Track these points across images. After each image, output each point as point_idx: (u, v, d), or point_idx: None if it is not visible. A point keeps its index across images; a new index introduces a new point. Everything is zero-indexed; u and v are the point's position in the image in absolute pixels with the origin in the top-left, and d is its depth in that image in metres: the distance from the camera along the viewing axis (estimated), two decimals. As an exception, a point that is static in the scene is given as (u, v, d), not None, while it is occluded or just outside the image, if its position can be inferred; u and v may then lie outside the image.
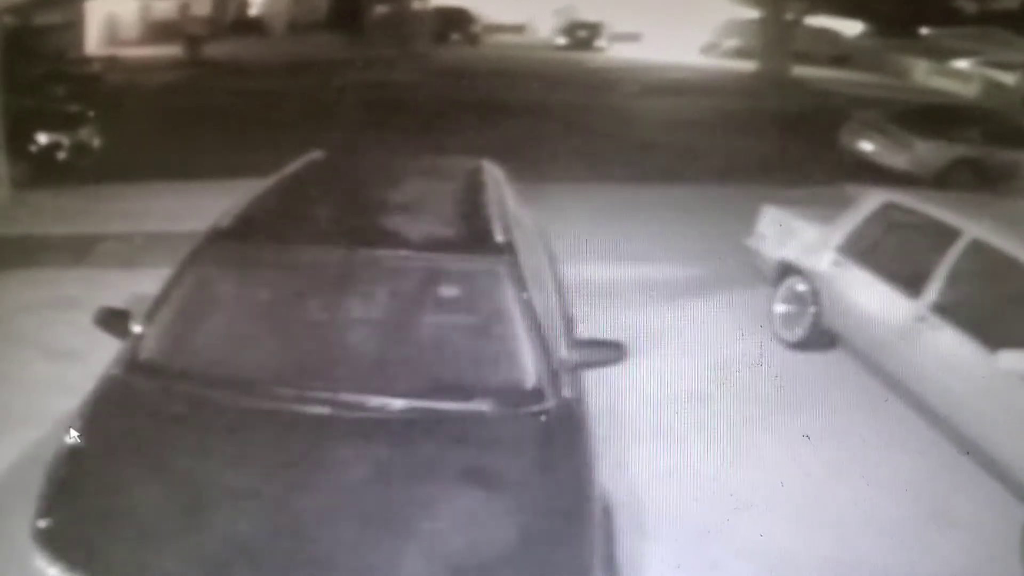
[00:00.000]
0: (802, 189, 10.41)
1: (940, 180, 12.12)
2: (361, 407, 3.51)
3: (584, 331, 4.77)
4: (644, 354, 5.18)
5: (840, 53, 34.59)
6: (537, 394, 3.60)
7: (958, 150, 12.75)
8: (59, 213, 9.48)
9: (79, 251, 8.25)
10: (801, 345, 6.74)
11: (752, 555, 4.40)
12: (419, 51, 28.37)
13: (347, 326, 4.03)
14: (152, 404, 3.57)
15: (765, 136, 16.36)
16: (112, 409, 3.56)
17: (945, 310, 5.38)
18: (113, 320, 4.03)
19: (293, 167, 5.32)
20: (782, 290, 7.00)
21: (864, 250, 6.34)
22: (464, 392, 3.61)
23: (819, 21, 32.35)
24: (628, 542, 4.13)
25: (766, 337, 6.93)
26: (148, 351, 3.80)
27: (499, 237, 4.22)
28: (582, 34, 36.52)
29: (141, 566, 2.93)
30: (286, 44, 32.32)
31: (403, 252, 4.14)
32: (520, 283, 3.94)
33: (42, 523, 3.05)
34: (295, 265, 4.15)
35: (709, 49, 35.56)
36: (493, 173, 5.61)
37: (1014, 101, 22.05)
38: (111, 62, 21.68)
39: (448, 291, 4.13)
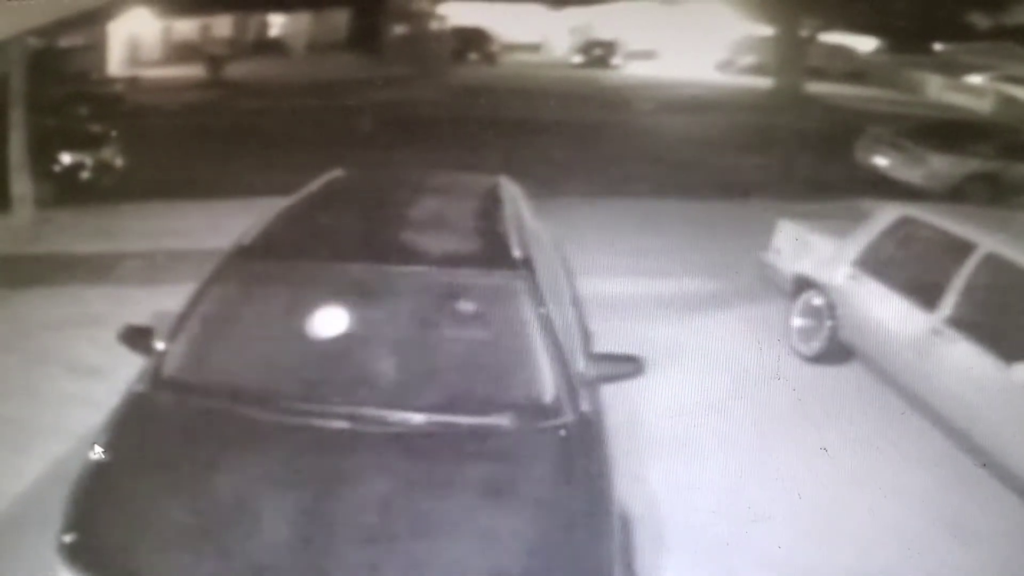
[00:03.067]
0: (818, 203, 10.46)
1: (955, 194, 12.13)
2: (382, 422, 3.53)
3: (601, 345, 4.80)
4: (661, 368, 5.18)
5: (854, 69, 34.68)
6: (555, 408, 3.62)
7: (972, 164, 12.76)
8: (82, 231, 9.59)
9: (102, 269, 8.32)
10: (818, 358, 6.74)
11: (770, 567, 4.40)
12: (437, 70, 28.58)
13: (367, 341, 4.05)
14: (176, 419, 3.61)
15: (780, 151, 16.37)
16: (136, 425, 3.59)
17: (960, 323, 5.39)
18: (137, 337, 4.06)
19: (315, 185, 5.41)
20: (799, 304, 7.01)
21: (880, 264, 6.36)
22: (483, 406, 3.63)
23: (834, 38, 32.41)
24: (646, 554, 4.16)
25: (783, 350, 6.94)
26: (172, 367, 3.82)
27: (517, 253, 4.28)
28: (598, 52, 36.81)
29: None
30: (306, 64, 32.70)
31: (422, 268, 4.19)
32: (538, 298, 3.98)
33: (67, 538, 3.07)
34: (316, 281, 4.22)
35: (724, 66, 35.71)
36: (510, 189, 5.68)
37: (1028, 115, 22.00)
38: (133, 82, 22.05)
39: (467, 306, 4.16)
